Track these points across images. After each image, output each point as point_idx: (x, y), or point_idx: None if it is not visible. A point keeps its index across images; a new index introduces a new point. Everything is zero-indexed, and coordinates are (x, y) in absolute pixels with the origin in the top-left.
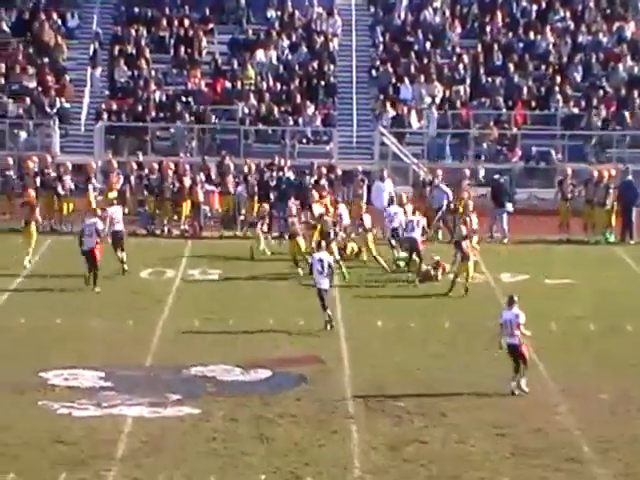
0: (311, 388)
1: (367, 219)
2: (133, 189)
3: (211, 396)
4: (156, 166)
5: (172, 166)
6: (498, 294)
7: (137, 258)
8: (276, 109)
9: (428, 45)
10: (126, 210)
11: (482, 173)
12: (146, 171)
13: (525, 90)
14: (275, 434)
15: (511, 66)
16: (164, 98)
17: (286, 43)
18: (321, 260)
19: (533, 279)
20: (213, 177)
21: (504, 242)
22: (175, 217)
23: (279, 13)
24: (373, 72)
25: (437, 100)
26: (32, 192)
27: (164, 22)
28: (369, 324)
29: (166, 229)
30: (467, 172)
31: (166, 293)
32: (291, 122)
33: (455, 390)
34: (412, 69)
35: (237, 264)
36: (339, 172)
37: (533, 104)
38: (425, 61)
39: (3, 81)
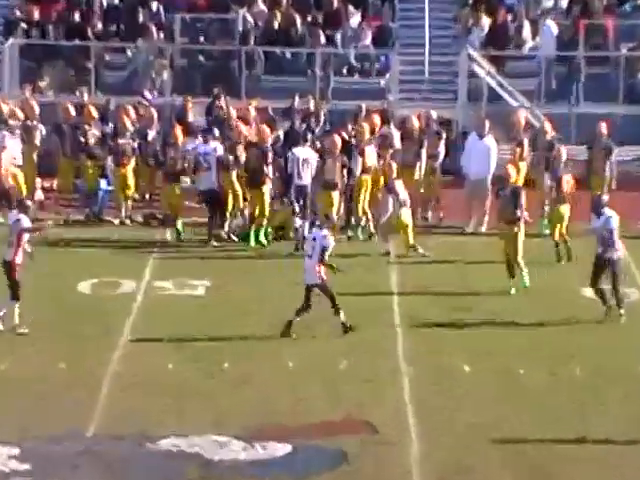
0: (356, 471)
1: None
2: (66, 149)
3: None
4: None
5: (131, 112)
6: None
7: (73, 261)
8: (299, 19)
9: None
10: (54, 184)
11: None
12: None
13: None
14: None
15: None
16: (116, 0)
17: None
18: (314, 239)
19: None
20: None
21: None
22: (135, 194)
23: None
24: None
25: (562, 3)
26: None
27: None
28: (449, 367)
29: (123, 213)
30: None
31: (121, 317)
32: (323, 40)
33: None
34: None
35: (234, 269)
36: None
37: None
38: None
39: None
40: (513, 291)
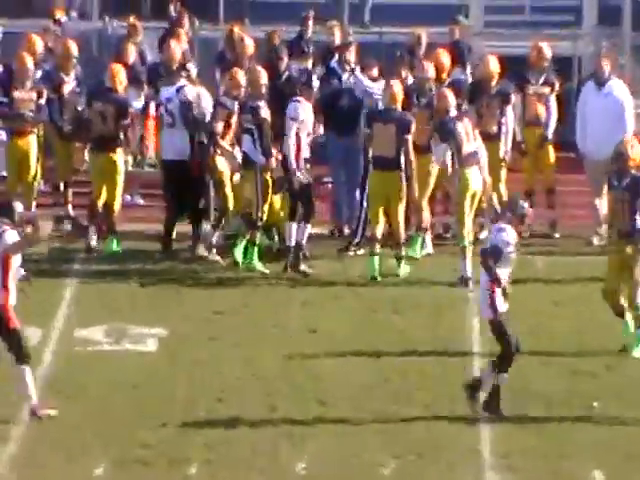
0: None
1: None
2: None
3: None
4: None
5: (37, 45)
6: None
7: None
8: None
9: None
10: None
11: None
12: None
13: None
14: None
15: None
16: None
17: None
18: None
19: None
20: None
21: None
22: (40, 182)
23: None
24: None
25: None
26: None
27: None
28: None
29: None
30: None
31: (16, 400)
32: None
33: None
34: None
35: (204, 309)
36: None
37: None
38: None
39: None
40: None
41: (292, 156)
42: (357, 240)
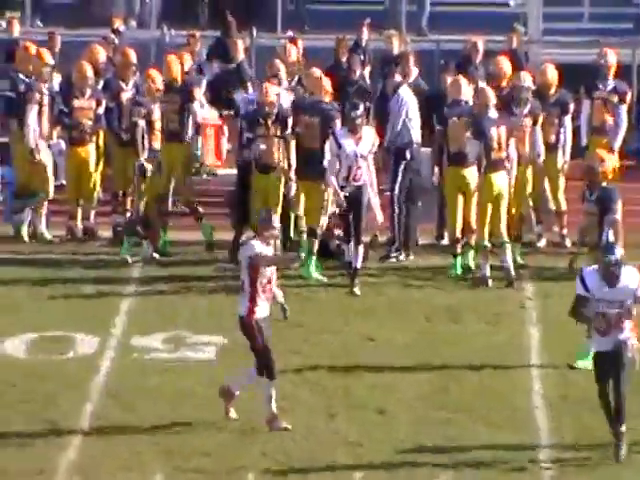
0: None
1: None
2: None
3: None
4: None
5: (100, 54)
6: None
7: None
8: None
9: None
10: None
11: None
12: None
13: None
14: None
15: None
16: None
17: None
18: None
19: None
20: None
21: None
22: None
23: None
24: None
25: None
26: None
27: None
28: None
29: (79, 223)
30: None
31: (75, 397)
32: None
33: None
34: None
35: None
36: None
37: None
38: None
39: None
40: None
41: (331, 177)
42: (396, 246)
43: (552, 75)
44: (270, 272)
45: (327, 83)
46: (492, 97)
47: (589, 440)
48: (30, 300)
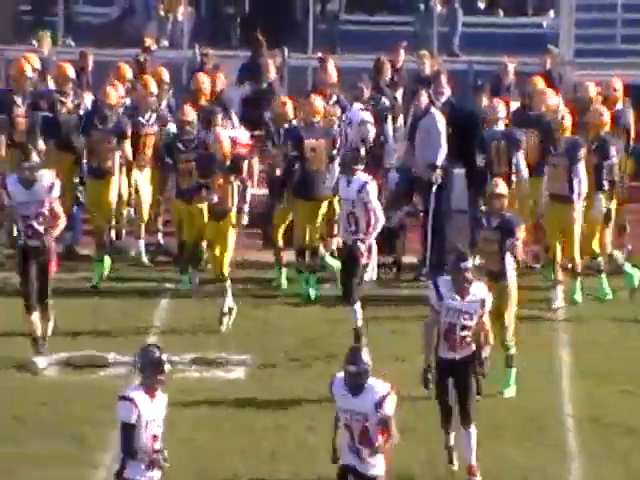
0: None
1: None
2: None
3: None
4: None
5: (127, 72)
6: None
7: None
8: None
9: None
10: None
11: None
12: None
13: None
14: None
15: None
16: None
17: None
18: None
19: None
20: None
21: None
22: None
23: None
24: None
25: None
26: None
27: None
28: None
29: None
30: None
31: (108, 418)
32: None
33: None
34: None
35: (297, 336)
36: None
37: None
38: None
39: None
40: None
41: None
42: (427, 269)
43: (593, 92)
44: None
45: (320, 104)
46: (502, 112)
47: (619, 462)
48: (61, 318)
